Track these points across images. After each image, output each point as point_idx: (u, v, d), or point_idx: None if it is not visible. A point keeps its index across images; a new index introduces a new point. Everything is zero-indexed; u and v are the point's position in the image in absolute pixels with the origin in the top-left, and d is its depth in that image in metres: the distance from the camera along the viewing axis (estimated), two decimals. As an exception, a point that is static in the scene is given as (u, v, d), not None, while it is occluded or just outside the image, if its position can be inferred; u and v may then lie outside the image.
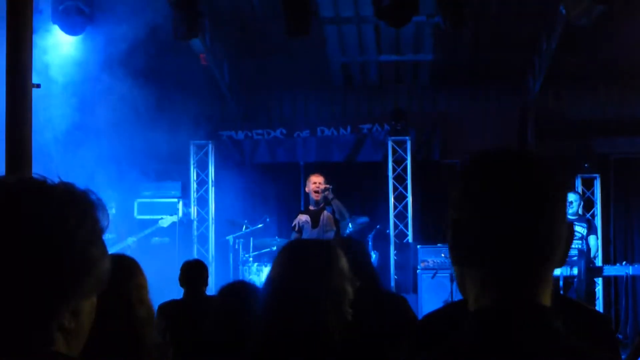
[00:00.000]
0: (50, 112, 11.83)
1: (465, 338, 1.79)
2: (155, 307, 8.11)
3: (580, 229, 13.00)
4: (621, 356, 3.34)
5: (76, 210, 1.78)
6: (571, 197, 12.95)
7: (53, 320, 1.74)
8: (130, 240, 12.71)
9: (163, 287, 12.39)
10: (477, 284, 1.83)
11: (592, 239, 13.05)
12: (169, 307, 8.18)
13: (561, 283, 12.54)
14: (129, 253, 12.02)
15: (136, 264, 3.73)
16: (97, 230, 1.83)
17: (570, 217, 12.87)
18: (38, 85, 6.28)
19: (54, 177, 1.83)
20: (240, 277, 13.40)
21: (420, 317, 5.59)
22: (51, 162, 11.49)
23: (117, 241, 12.42)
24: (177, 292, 10.15)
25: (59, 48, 12.46)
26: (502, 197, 1.79)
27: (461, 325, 1.81)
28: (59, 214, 1.75)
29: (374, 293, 5.42)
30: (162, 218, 13.35)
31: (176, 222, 13.77)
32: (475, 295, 1.83)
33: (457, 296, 11.72)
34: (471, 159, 1.91)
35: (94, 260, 1.79)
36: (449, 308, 3.66)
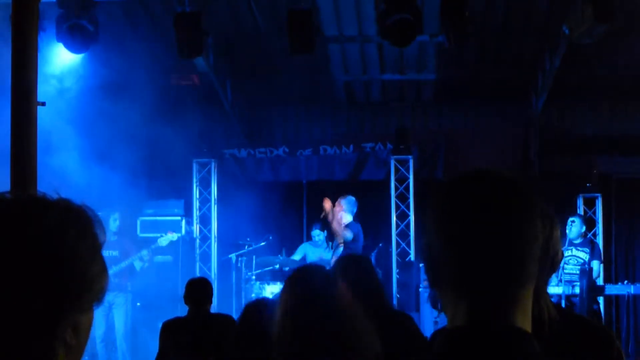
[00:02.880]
0: (54, 130, 11.85)
1: (435, 354, 1.80)
2: (160, 324, 8.13)
3: (582, 255, 12.98)
4: None
5: (76, 226, 1.79)
6: (574, 218, 12.95)
7: (55, 335, 1.74)
8: (145, 252, 12.68)
9: (166, 304, 12.43)
10: (451, 306, 1.84)
11: (595, 264, 12.99)
12: (173, 324, 8.18)
13: (563, 302, 12.52)
14: (139, 267, 12.04)
15: None
16: (96, 246, 1.83)
17: (573, 240, 12.87)
18: (43, 104, 6.30)
19: (54, 195, 1.84)
20: (243, 296, 13.41)
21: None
22: (55, 180, 11.50)
23: (120, 260, 12.40)
24: (180, 310, 10.17)
25: (63, 65, 12.51)
26: (468, 220, 1.80)
27: (434, 346, 1.82)
28: (61, 229, 1.75)
29: (381, 311, 5.43)
30: (160, 236, 13.33)
31: (174, 241, 13.75)
32: (451, 316, 1.84)
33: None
34: (438, 185, 1.93)
35: (94, 275, 1.80)
36: None
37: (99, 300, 1.84)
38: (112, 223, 12.61)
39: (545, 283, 3.97)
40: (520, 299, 1.81)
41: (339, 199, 12.74)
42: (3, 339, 1.70)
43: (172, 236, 13.52)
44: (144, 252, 12.67)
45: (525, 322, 1.81)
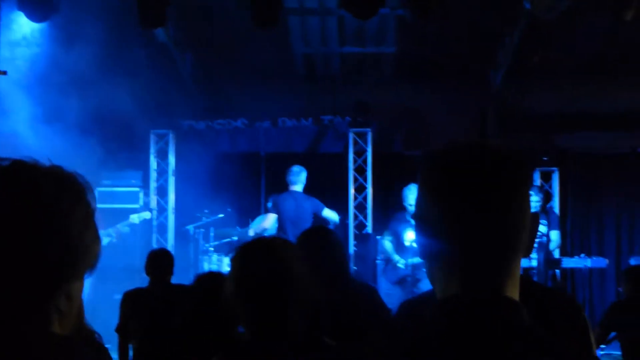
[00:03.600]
0: (11, 99, 11.75)
1: (427, 327, 1.80)
2: (116, 296, 8.11)
3: (541, 228, 13.11)
4: (591, 337, 3.38)
5: (70, 193, 1.80)
6: (533, 197, 13.06)
7: (50, 302, 1.75)
8: (112, 230, 12.68)
9: (122, 275, 12.39)
10: (442, 277, 1.85)
11: (553, 234, 13.14)
12: (134, 294, 8.19)
13: (536, 277, 12.66)
14: (106, 242, 12.01)
15: None
16: (89, 213, 1.83)
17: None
18: (4, 72, 6.23)
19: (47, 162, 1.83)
20: (200, 268, 13.38)
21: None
22: (13, 150, 11.36)
23: None
24: (138, 281, 10.15)
25: (23, 35, 12.39)
26: (459, 190, 1.81)
27: (425, 315, 1.83)
28: (55, 196, 1.76)
29: (346, 283, 5.46)
30: (135, 214, 13.30)
31: (148, 220, 13.80)
32: (442, 287, 1.85)
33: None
34: (428, 155, 1.93)
35: (88, 243, 1.80)
36: (427, 295, 3.69)
37: (92, 267, 1.83)
38: None
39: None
40: (510, 269, 1.83)
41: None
42: (2, 307, 1.69)
43: (146, 214, 13.53)
44: (118, 227, 12.69)
45: (515, 291, 1.83)
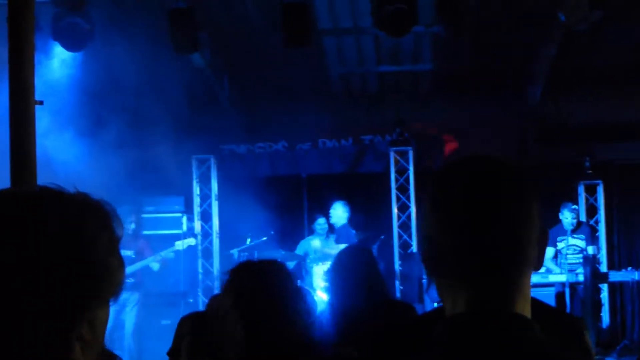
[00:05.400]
0: (50, 127, 11.86)
1: (434, 344, 1.78)
2: (167, 320, 8.13)
3: (579, 242, 13.03)
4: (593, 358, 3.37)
5: (95, 219, 1.79)
6: (564, 209, 13.01)
7: (73, 330, 1.74)
8: (162, 254, 12.76)
9: (171, 301, 12.44)
10: (450, 293, 1.83)
11: (591, 249, 13.03)
12: (191, 318, 8.19)
13: (567, 289, 12.54)
14: (157, 268, 12.07)
15: None
16: (114, 240, 1.83)
17: (569, 228, 12.91)
18: (41, 102, 6.29)
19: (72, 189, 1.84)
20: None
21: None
22: (56, 179, 11.48)
23: (135, 260, 12.45)
24: (185, 306, 10.17)
25: (60, 64, 12.52)
26: (461, 207, 1.79)
27: (433, 332, 1.81)
28: (79, 222, 1.75)
29: (382, 301, 5.46)
30: (179, 241, 13.36)
31: (193, 246, 13.88)
32: (451, 304, 1.83)
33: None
34: (434, 173, 1.93)
35: (112, 269, 1.80)
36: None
37: (116, 294, 1.84)
38: (128, 221, 12.67)
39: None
40: (520, 285, 1.80)
41: None
42: (20, 333, 1.70)
43: (191, 240, 13.58)
44: (162, 254, 12.73)
45: (525, 307, 1.81)
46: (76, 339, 1.75)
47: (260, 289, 3.41)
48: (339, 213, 13.40)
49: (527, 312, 1.81)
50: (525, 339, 1.73)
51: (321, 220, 13.81)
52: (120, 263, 1.84)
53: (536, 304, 3.73)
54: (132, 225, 12.65)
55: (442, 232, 1.82)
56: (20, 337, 1.70)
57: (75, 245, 1.73)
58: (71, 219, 1.74)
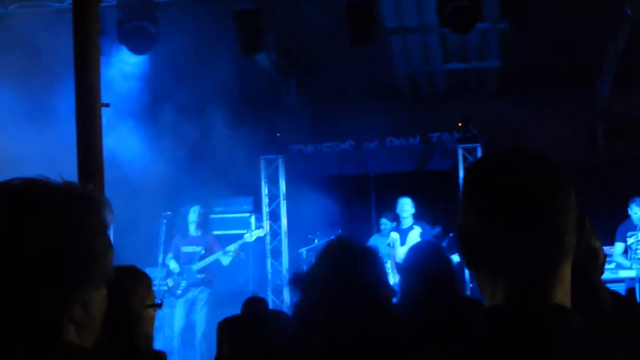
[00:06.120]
0: (119, 133, 12.04)
1: (474, 335, 1.79)
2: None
3: None
4: None
5: (80, 205, 1.88)
6: (633, 203, 12.85)
7: (63, 312, 1.83)
8: (232, 247, 12.88)
9: (241, 300, 12.57)
10: (489, 286, 1.84)
11: None
12: (228, 322, 8.23)
13: (637, 284, 12.40)
14: (227, 262, 12.21)
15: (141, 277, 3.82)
16: (101, 224, 1.91)
17: (638, 223, 12.75)
18: (107, 105, 6.40)
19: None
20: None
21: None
22: (125, 180, 11.69)
23: (205, 256, 12.63)
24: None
25: (125, 68, 12.69)
26: (501, 195, 1.80)
27: (474, 324, 1.82)
28: (63, 208, 1.85)
29: (453, 297, 5.45)
30: (247, 232, 13.45)
31: (261, 237, 13.97)
32: (490, 296, 1.83)
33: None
34: (472, 164, 1.94)
35: (98, 252, 1.88)
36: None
37: (106, 277, 1.93)
38: (192, 214, 12.85)
39: (598, 276, 3.99)
40: (559, 274, 1.80)
41: None
42: (10, 316, 1.79)
43: (260, 232, 13.68)
44: (231, 247, 12.85)
45: (565, 298, 1.81)
46: (69, 321, 1.83)
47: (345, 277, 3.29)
48: (407, 208, 13.31)
49: (567, 302, 1.80)
50: (565, 331, 1.73)
51: (384, 220, 13.86)
52: (108, 247, 1.92)
53: (629, 306, 3.72)
54: (196, 214, 12.85)
55: (479, 223, 1.83)
56: (9, 319, 1.78)
57: (59, 230, 1.83)
58: (55, 206, 1.84)
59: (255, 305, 5.02)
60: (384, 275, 3.54)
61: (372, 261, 3.45)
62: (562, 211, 1.81)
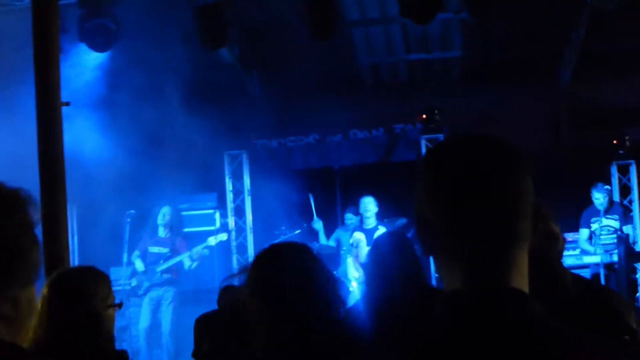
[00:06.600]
0: (80, 129, 11.95)
1: (433, 321, 1.81)
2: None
3: (613, 222, 12.96)
4: (626, 320, 3.39)
5: (3, 205, 1.88)
6: (595, 190, 12.97)
7: None
8: (195, 251, 12.88)
9: (207, 298, 12.55)
10: (447, 271, 1.85)
11: (627, 229, 12.99)
12: (205, 318, 8.21)
13: (602, 270, 12.50)
14: (187, 266, 12.28)
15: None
16: (26, 222, 1.92)
17: (601, 209, 12.85)
18: (68, 103, 6.34)
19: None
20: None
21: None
22: (89, 180, 11.63)
23: (170, 257, 12.63)
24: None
25: (86, 65, 12.61)
26: (455, 181, 1.80)
27: (433, 310, 1.83)
28: None
29: (418, 287, 5.44)
30: (212, 237, 13.45)
31: (226, 241, 13.99)
32: (448, 282, 1.84)
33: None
34: (426, 152, 1.94)
35: (23, 249, 1.89)
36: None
37: (34, 273, 1.93)
38: (161, 218, 12.85)
39: (558, 258, 4.03)
40: (514, 259, 1.81)
41: None
42: None
43: (223, 236, 13.65)
44: (195, 250, 12.84)
45: (522, 282, 1.81)
46: None
47: (282, 272, 3.24)
48: (370, 207, 13.29)
49: (524, 286, 1.81)
50: (521, 313, 1.74)
51: (349, 215, 13.86)
52: (33, 243, 1.93)
53: (590, 286, 3.75)
54: (167, 217, 12.84)
55: (434, 210, 1.83)
56: None
57: None
58: None
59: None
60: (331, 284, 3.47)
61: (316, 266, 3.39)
62: (516, 196, 1.81)
